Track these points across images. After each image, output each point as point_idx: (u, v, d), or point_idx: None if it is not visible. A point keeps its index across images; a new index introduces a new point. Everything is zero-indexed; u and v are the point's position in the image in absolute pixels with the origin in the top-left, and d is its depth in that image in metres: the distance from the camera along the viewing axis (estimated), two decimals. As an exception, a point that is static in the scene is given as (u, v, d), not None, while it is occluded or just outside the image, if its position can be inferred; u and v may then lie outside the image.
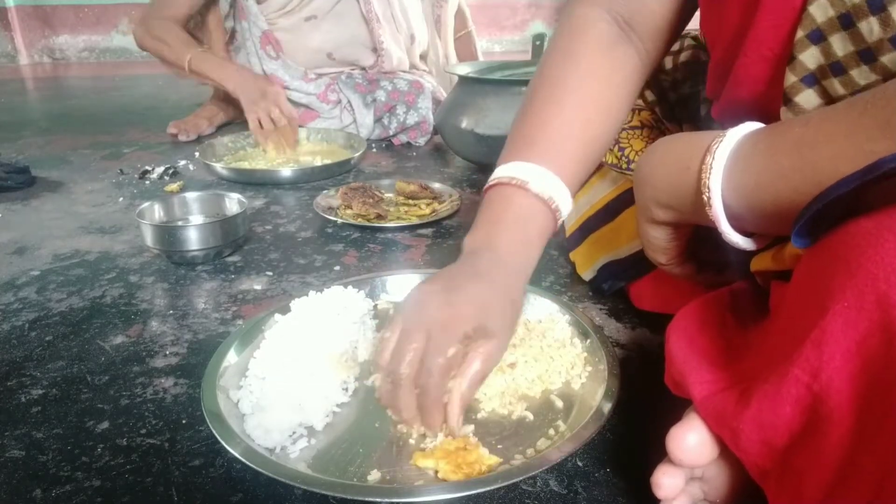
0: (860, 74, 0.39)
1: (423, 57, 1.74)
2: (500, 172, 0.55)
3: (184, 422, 0.52)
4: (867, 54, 0.38)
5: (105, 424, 0.52)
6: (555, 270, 0.81)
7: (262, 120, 1.32)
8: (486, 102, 1.18)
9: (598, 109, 0.56)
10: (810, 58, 0.41)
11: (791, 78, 0.42)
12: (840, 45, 0.39)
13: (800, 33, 0.41)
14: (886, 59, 0.37)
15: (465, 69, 1.30)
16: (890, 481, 0.25)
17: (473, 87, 1.22)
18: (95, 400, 0.55)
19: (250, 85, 1.35)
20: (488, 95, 1.19)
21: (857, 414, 0.28)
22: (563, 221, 0.75)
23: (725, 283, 0.49)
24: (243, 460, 0.43)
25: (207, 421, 0.47)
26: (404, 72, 1.66)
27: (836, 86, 0.40)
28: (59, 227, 0.98)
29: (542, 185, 0.53)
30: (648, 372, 0.56)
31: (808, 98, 0.43)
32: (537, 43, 1.91)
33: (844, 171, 0.30)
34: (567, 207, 0.55)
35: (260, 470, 0.42)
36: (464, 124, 1.20)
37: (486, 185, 0.56)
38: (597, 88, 0.56)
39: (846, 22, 0.38)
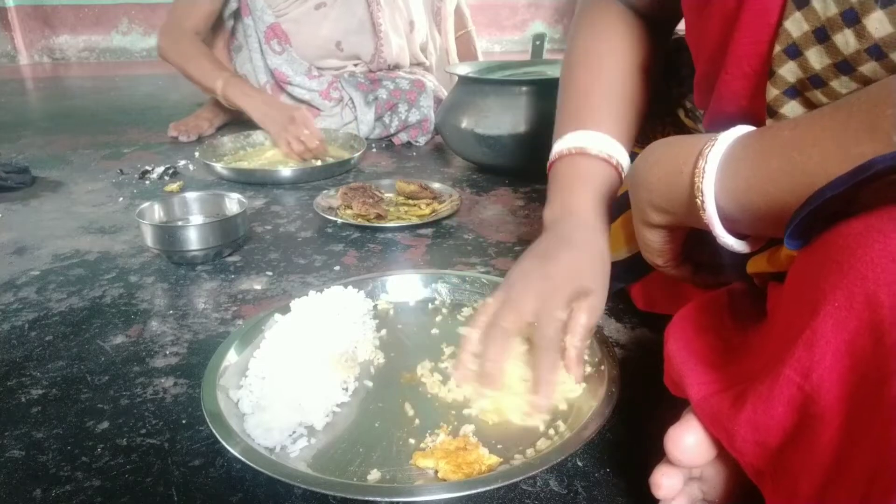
0: (840, 85, 0.39)
1: (422, 48, 1.74)
2: (559, 146, 0.60)
3: (184, 422, 0.52)
4: (845, 66, 0.38)
5: (105, 424, 0.52)
6: (555, 270, 0.81)
7: (294, 144, 1.32)
8: (486, 102, 1.18)
9: (631, 68, 0.62)
10: (789, 72, 0.42)
11: (773, 91, 0.43)
12: (816, 58, 0.40)
13: (777, 48, 0.41)
14: (865, 69, 0.37)
15: (465, 69, 1.30)
16: (880, 479, 0.25)
17: (473, 87, 1.22)
18: (95, 400, 0.55)
19: (276, 113, 1.36)
20: (488, 95, 1.19)
21: (846, 413, 0.28)
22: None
23: (723, 284, 0.49)
24: (243, 460, 0.43)
25: (207, 421, 0.47)
26: (406, 70, 1.66)
27: (819, 96, 0.41)
28: (59, 227, 0.98)
29: (600, 145, 0.58)
30: (648, 372, 0.56)
31: (792, 109, 0.43)
32: (537, 43, 1.92)
33: (834, 173, 0.30)
34: (626, 161, 0.60)
35: (260, 469, 0.42)
36: (464, 124, 1.20)
37: (549, 162, 0.62)
38: (627, 50, 0.62)
39: (821, 36, 0.39)
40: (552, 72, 1.28)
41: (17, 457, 0.49)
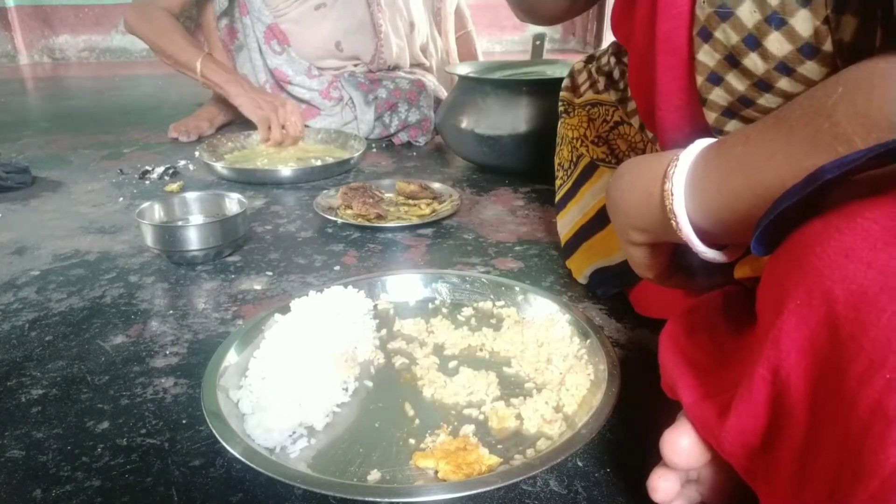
0: (767, 101, 0.42)
1: (422, 49, 1.74)
2: None
3: (184, 422, 0.52)
4: (763, 84, 0.41)
5: (105, 424, 0.52)
6: (555, 270, 0.81)
7: (275, 132, 1.36)
8: (486, 102, 1.18)
9: None
10: (719, 97, 0.44)
11: (712, 115, 0.45)
12: (737, 81, 0.42)
13: (699, 79, 0.44)
14: (781, 84, 0.40)
15: (465, 69, 1.30)
16: (845, 471, 0.26)
17: (473, 87, 1.22)
18: (95, 400, 0.55)
19: (261, 98, 1.39)
20: (488, 95, 1.19)
21: (812, 407, 0.29)
22: (559, 231, 0.77)
23: (720, 286, 0.49)
24: (243, 460, 0.43)
25: (207, 421, 0.47)
26: (406, 70, 1.66)
27: (753, 113, 0.43)
28: (59, 227, 0.98)
29: None
30: (648, 372, 0.56)
31: (735, 126, 0.45)
32: (537, 43, 1.91)
33: (790, 185, 0.31)
34: None
35: (260, 470, 0.42)
36: (464, 124, 1.20)
37: None
38: None
39: (732, 61, 0.41)
40: (552, 72, 1.28)
41: (17, 457, 0.49)
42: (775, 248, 0.33)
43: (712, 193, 0.39)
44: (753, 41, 0.39)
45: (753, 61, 0.40)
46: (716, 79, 0.43)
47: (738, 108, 0.44)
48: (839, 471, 0.26)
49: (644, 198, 0.44)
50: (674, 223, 0.41)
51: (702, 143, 0.41)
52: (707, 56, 0.42)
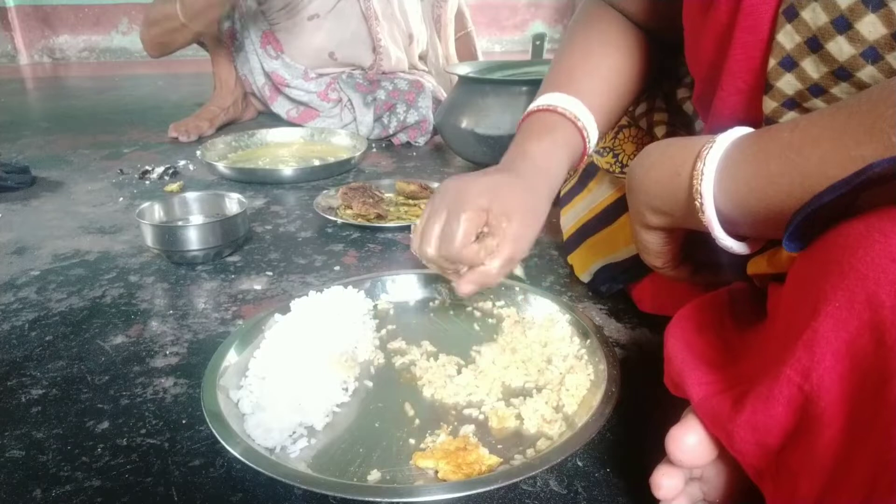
0: (841, 91, 0.40)
1: (422, 57, 1.74)
2: (533, 104, 0.62)
3: (184, 422, 0.52)
4: (842, 72, 0.39)
5: (105, 424, 0.52)
6: (555, 270, 0.81)
7: None
8: (486, 102, 1.18)
9: (620, 64, 0.63)
10: (787, 84, 0.42)
11: (772, 104, 0.43)
12: (813, 68, 0.40)
13: (772, 62, 0.42)
14: (863, 74, 0.38)
15: (465, 69, 1.30)
16: (882, 480, 0.25)
17: (473, 87, 1.22)
18: (95, 400, 0.55)
19: None
20: (488, 95, 1.19)
21: (847, 413, 0.28)
22: (562, 225, 0.77)
23: (724, 284, 0.49)
24: (243, 460, 0.43)
25: (207, 421, 0.47)
26: (404, 72, 1.66)
27: (819, 104, 0.41)
28: (59, 227, 0.98)
29: (568, 106, 0.59)
30: (648, 372, 0.56)
31: (791, 119, 0.43)
32: (537, 43, 1.91)
33: (833, 175, 0.30)
34: (594, 132, 0.61)
35: (260, 470, 0.42)
36: (464, 124, 1.20)
37: (522, 117, 0.62)
38: (622, 46, 0.63)
39: (814, 45, 0.39)
40: (552, 72, 1.28)
41: (17, 457, 0.49)
42: (806, 246, 0.33)
43: (745, 179, 0.38)
44: (844, 23, 0.37)
45: (839, 45, 0.37)
46: (789, 63, 0.41)
47: (805, 99, 0.42)
48: (877, 478, 0.26)
49: (670, 177, 0.43)
50: (698, 204, 0.40)
51: (741, 130, 0.40)
52: (787, 37, 0.40)
